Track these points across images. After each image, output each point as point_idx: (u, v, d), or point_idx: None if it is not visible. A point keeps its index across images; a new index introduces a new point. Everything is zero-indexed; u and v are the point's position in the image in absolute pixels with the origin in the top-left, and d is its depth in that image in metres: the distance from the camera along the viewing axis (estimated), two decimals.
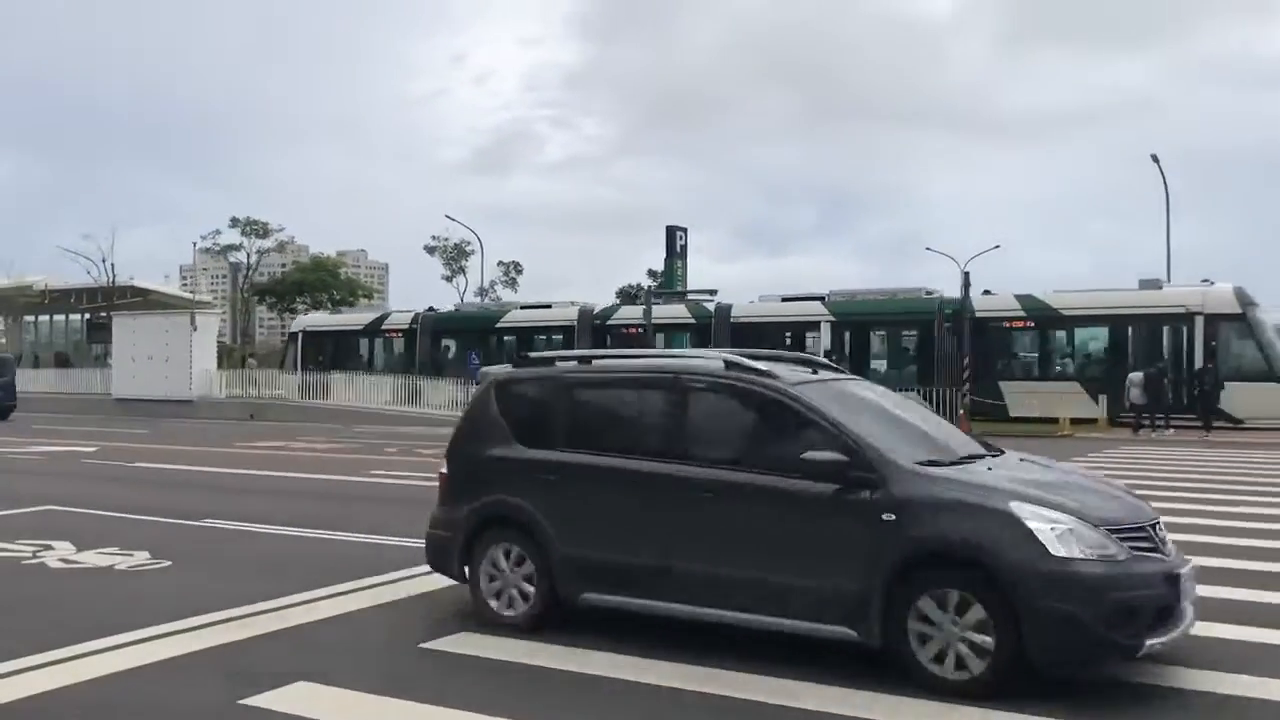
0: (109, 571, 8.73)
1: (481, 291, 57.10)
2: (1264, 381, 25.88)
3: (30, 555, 9.28)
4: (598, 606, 6.49)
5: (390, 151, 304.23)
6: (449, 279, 71.29)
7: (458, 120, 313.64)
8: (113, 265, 52.68)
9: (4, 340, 46.72)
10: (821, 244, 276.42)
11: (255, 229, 67.03)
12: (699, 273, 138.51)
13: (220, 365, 40.38)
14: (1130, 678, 5.66)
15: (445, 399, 32.57)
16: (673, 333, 34.49)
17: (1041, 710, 5.16)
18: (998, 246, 65.53)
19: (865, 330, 31.62)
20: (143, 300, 47.70)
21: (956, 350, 28.57)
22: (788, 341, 30.31)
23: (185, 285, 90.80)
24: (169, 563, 8.98)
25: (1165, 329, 27.78)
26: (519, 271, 74.98)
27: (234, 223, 67.31)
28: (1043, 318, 29.30)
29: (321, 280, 69.01)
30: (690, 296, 36.88)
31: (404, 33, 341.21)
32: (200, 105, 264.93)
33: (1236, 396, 25.90)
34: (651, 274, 73.46)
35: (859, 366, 28.60)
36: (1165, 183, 42.67)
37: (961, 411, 26.51)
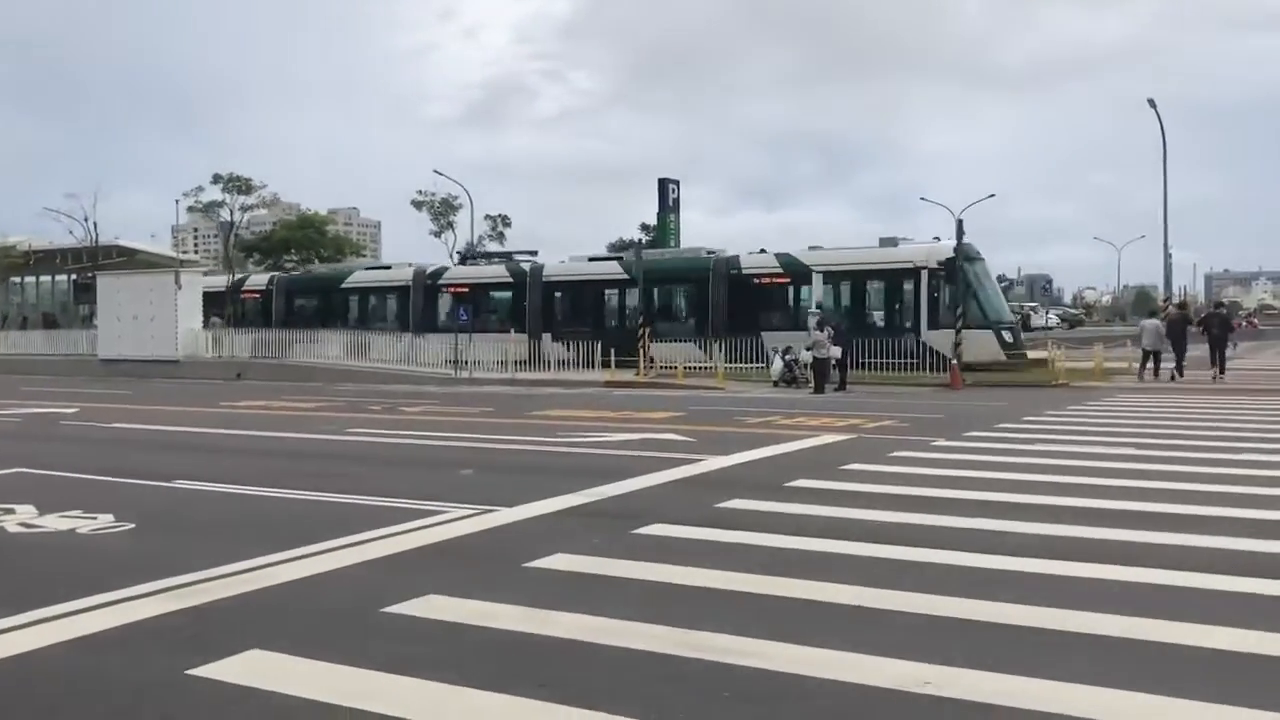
0: (70, 535, 8.43)
1: (469, 246, 56.48)
2: (980, 329, 29.05)
3: None
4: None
5: (382, 108, 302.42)
6: (437, 234, 70.57)
7: (449, 75, 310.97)
8: (95, 224, 51.93)
9: None
10: (819, 197, 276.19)
11: (237, 185, 65.96)
12: (694, 226, 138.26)
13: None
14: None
15: (434, 356, 32.44)
16: (492, 291, 37.82)
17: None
18: (992, 195, 65.61)
19: (652, 286, 33.55)
20: (129, 260, 47.15)
21: (724, 302, 32.56)
22: (591, 297, 35.38)
23: (177, 246, 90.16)
24: (132, 525, 8.69)
25: (899, 282, 30.77)
26: (507, 224, 74.12)
27: (216, 179, 66.30)
28: (797, 273, 31.96)
29: (308, 237, 68.24)
30: (516, 257, 40.09)
31: None
32: (189, 64, 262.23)
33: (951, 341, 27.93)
34: (644, 227, 72.81)
35: (653, 319, 32.46)
36: (1163, 130, 42.21)
37: (954, 362, 26.33)
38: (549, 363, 32.18)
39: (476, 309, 35.20)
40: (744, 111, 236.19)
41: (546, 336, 34.34)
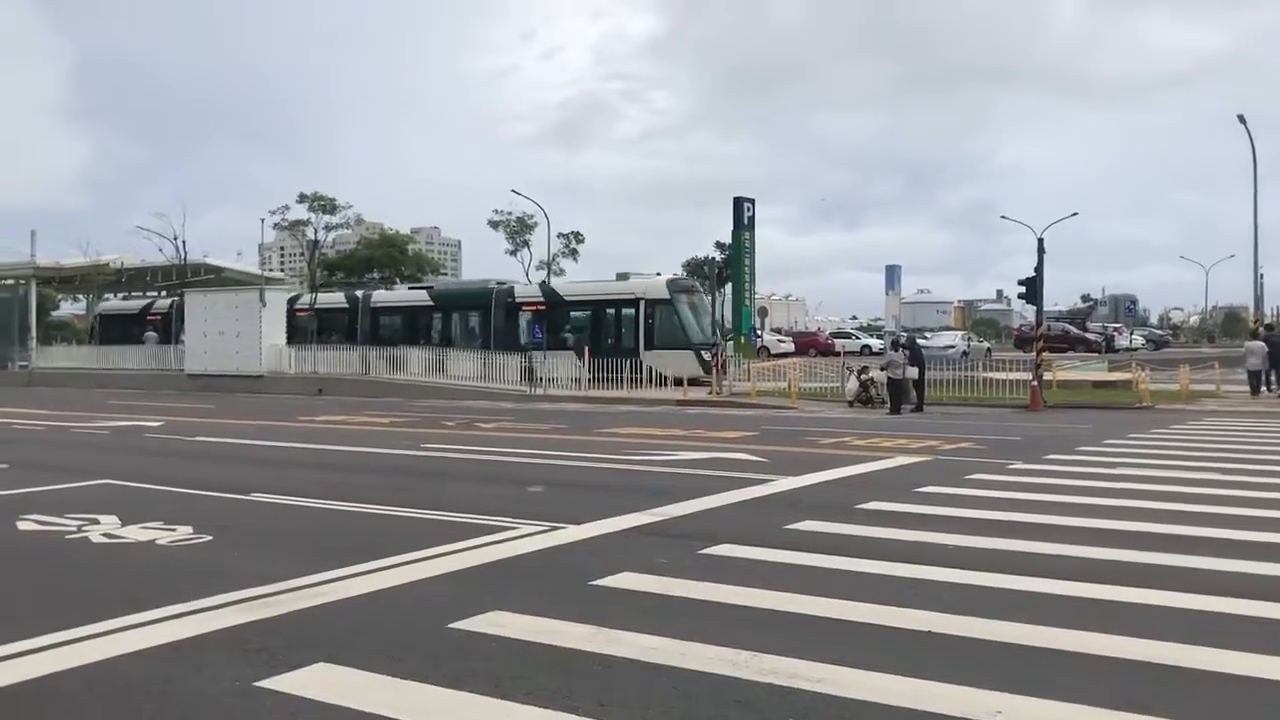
0: (149, 546, 8.61)
1: (544, 264, 56.93)
2: (683, 349, 33.89)
3: (75, 529, 9.22)
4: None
5: (463, 128, 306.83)
6: (513, 253, 71.26)
7: (529, 96, 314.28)
8: (184, 243, 53.37)
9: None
10: (899, 215, 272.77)
11: (322, 204, 67.46)
12: (771, 245, 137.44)
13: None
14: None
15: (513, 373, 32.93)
16: (334, 315, 42.61)
17: None
18: (1075, 214, 64.14)
19: (451, 311, 40.61)
20: (216, 277, 48.37)
21: (502, 324, 37.70)
22: (405, 320, 40.68)
23: (264, 263, 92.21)
24: (210, 537, 8.85)
25: (625, 310, 35.78)
26: (580, 242, 74.56)
27: (301, 198, 67.87)
28: (555, 302, 37.73)
29: (390, 256, 69.52)
30: (412, 287, 46.87)
31: (475, 11, 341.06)
32: (280, 88, 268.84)
33: (663, 360, 33.41)
34: (719, 246, 72.72)
35: (451, 339, 39.28)
36: (1253, 146, 41.09)
37: (1034, 384, 25.86)
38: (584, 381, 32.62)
39: (324, 329, 40.71)
40: (825, 128, 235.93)
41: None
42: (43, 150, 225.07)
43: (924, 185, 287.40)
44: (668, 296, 34.57)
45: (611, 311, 36.14)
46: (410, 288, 44.51)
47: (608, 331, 36.12)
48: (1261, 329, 32.49)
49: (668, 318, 34.38)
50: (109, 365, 42.90)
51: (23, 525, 9.51)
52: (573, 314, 37.24)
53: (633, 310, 35.19)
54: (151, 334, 44.42)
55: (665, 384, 31.96)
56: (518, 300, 38.33)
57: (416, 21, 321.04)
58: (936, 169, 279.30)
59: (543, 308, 37.12)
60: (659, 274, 37.83)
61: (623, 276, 39.42)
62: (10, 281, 47.99)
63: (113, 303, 52.35)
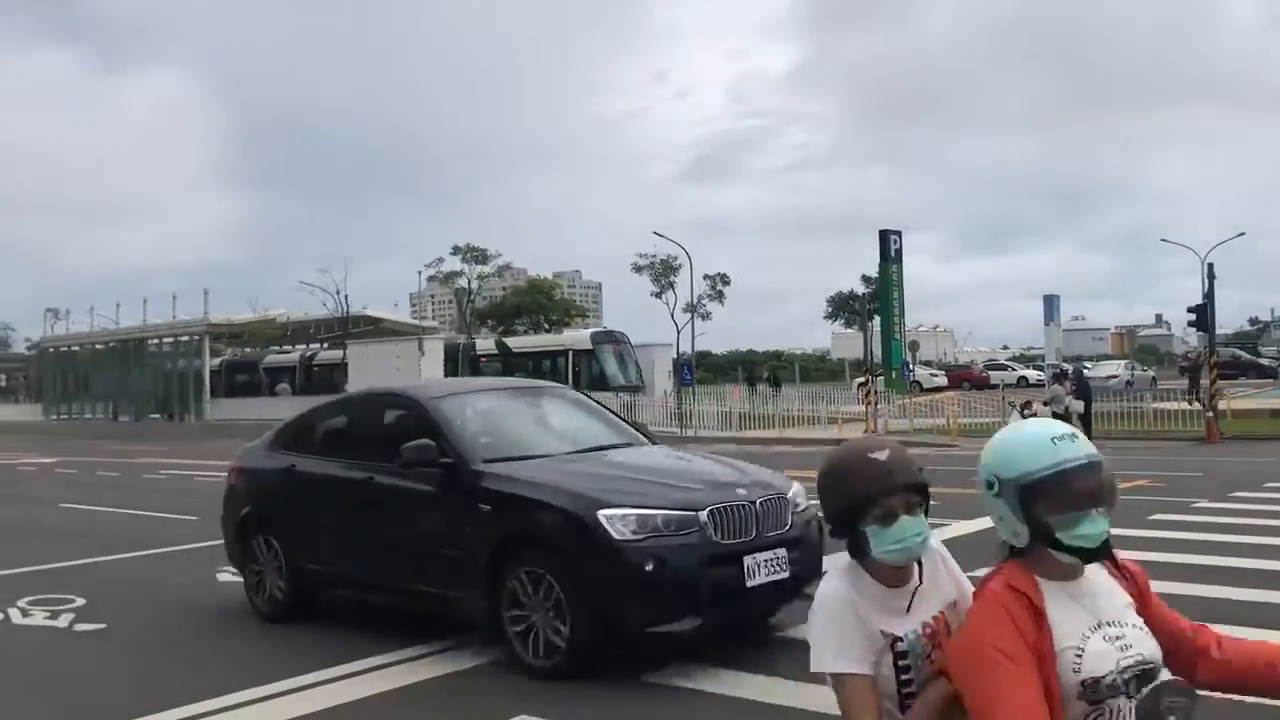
0: None
1: (690, 307, 57.23)
2: (601, 391, 34.83)
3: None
4: None
5: (599, 171, 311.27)
6: (658, 295, 71.84)
7: (665, 136, 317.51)
8: (346, 296, 55.60)
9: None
10: (1049, 239, 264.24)
11: (475, 255, 69.65)
12: (919, 276, 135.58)
13: None
14: None
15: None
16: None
17: None
18: (1242, 234, 61.26)
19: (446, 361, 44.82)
20: (374, 328, 50.29)
21: (469, 372, 41.36)
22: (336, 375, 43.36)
23: (415, 312, 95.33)
24: None
25: (558, 359, 41.69)
26: (726, 283, 74.79)
27: (455, 250, 70.20)
28: (506, 353, 44.58)
29: (538, 302, 70.97)
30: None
31: (607, 55, 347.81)
32: (422, 140, 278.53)
33: None
34: (865, 280, 72.05)
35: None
36: None
37: (1209, 415, 24.78)
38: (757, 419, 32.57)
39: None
40: (974, 154, 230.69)
41: None
42: (209, 209, 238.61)
43: (1076, 208, 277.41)
44: (590, 347, 41.48)
45: (548, 361, 42.51)
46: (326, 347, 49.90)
47: (545, 376, 39.25)
48: None
49: (589, 365, 40.58)
50: (269, 415, 44.77)
51: (221, 578, 10.00)
52: (520, 363, 43.51)
53: (564, 359, 41.66)
54: (284, 385, 46.48)
55: (817, 423, 31.75)
56: (479, 352, 45.90)
57: (550, 69, 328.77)
58: (1089, 190, 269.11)
59: (498, 358, 44.40)
60: (586, 327, 48.82)
61: (557, 328, 53.80)
62: (186, 338, 50.71)
63: (229, 357, 55.49)
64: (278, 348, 52.63)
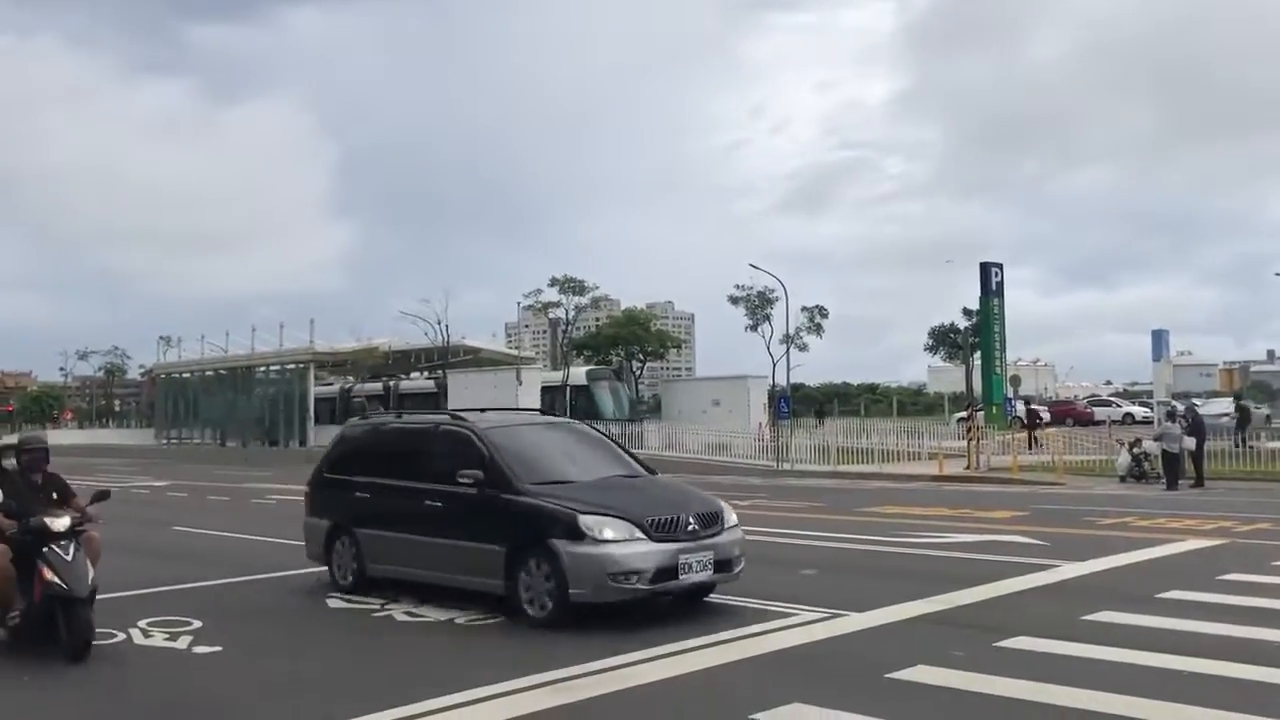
0: (448, 625, 9.06)
1: (786, 339, 56.88)
2: (596, 419, 34.71)
3: (379, 607, 9.82)
4: None
5: (696, 204, 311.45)
6: (753, 328, 71.39)
7: (761, 169, 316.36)
8: (447, 326, 56.45)
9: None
10: (1156, 273, 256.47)
11: (572, 287, 70.26)
12: (1021, 309, 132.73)
13: None
14: None
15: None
16: None
17: None
18: None
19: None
20: (473, 358, 50.94)
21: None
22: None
23: (510, 341, 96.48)
24: (501, 618, 9.17)
25: (568, 391, 44.21)
26: (824, 315, 74.04)
27: (553, 282, 70.93)
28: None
29: (633, 334, 71.10)
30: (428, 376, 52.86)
31: (704, 90, 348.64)
32: (521, 173, 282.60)
33: None
34: (966, 313, 70.76)
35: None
36: None
37: None
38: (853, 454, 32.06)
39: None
40: (1078, 184, 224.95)
41: None
42: (314, 240, 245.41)
43: (1185, 240, 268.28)
44: (586, 383, 45.10)
45: (561, 394, 45.29)
46: (426, 376, 52.15)
47: (546, 409, 40.56)
48: None
49: (586, 399, 43.53)
50: None
51: (331, 604, 10.18)
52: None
53: (562, 395, 44.43)
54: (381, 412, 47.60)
55: (917, 459, 31.23)
56: (404, 391, 48.41)
57: (646, 104, 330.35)
58: (1200, 222, 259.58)
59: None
60: (583, 366, 52.57)
61: (563, 364, 56.27)
62: (292, 366, 51.96)
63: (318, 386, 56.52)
64: (386, 377, 53.61)
